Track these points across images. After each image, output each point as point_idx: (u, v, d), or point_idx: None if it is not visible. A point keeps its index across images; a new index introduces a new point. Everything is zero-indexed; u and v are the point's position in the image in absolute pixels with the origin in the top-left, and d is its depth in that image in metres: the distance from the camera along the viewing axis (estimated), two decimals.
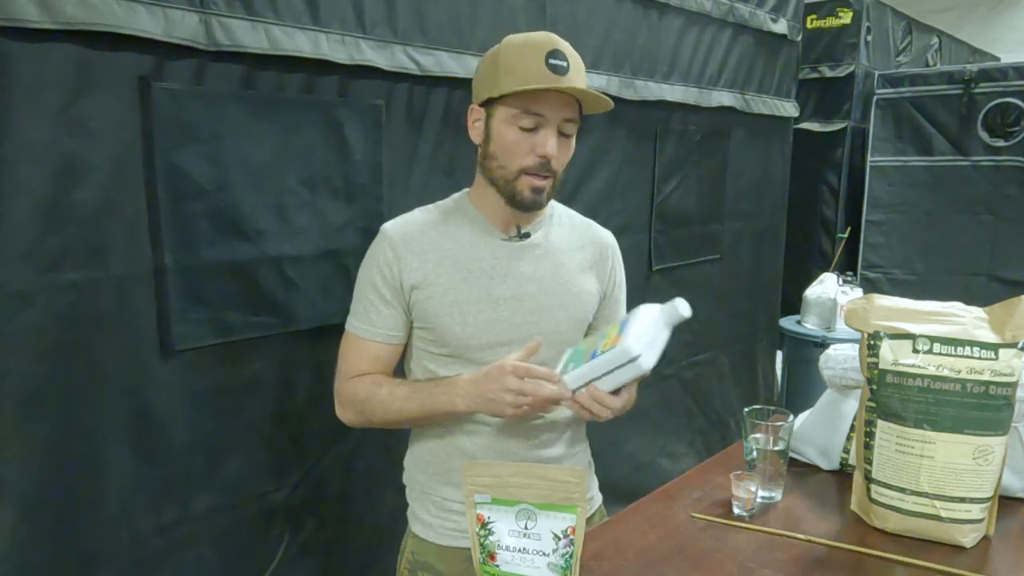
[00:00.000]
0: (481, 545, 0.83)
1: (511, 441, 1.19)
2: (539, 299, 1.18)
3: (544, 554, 0.81)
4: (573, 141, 1.15)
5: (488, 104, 1.13)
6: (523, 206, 1.14)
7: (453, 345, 1.16)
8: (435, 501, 1.22)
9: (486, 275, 1.16)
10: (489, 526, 0.82)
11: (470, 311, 1.15)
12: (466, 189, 1.23)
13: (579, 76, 1.11)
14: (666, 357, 2.83)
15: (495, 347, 1.15)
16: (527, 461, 1.18)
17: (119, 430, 1.19)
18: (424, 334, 1.18)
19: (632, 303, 2.49)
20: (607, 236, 1.32)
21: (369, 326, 1.17)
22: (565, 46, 1.10)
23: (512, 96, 1.08)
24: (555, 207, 1.28)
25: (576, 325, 1.24)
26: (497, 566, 0.82)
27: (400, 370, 1.23)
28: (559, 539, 0.80)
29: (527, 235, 1.19)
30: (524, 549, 0.81)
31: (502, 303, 1.16)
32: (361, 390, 1.16)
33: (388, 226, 1.20)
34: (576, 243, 1.26)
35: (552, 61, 1.06)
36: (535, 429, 1.20)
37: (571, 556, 0.80)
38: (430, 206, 1.22)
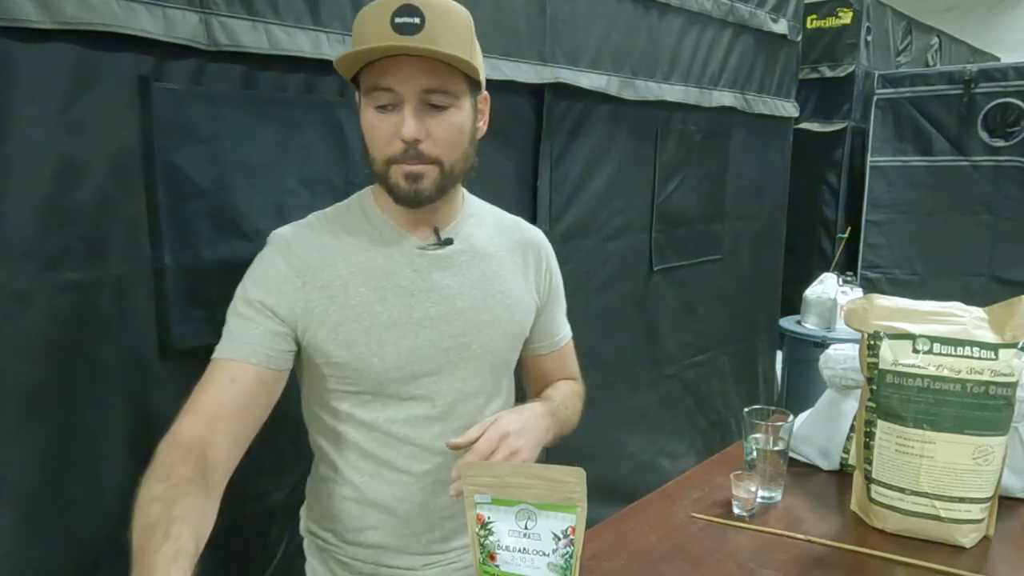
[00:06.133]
0: (481, 545, 0.83)
1: (438, 495, 1.03)
2: (469, 315, 1.02)
3: (544, 554, 0.81)
4: (459, 114, 0.94)
5: (358, 89, 0.95)
6: (404, 201, 0.95)
7: (371, 380, 0.98)
8: (341, 561, 1.07)
9: (406, 292, 0.98)
10: (489, 526, 0.82)
11: (389, 337, 0.97)
12: (368, 188, 1.05)
13: (442, 33, 0.87)
14: (667, 357, 2.82)
15: (420, 378, 1.00)
16: (452, 513, 1.06)
17: (119, 430, 1.19)
18: (332, 370, 0.98)
19: (634, 303, 2.48)
20: (537, 234, 1.15)
21: (231, 344, 0.94)
22: (426, 1, 0.87)
23: (366, 73, 0.90)
24: (474, 204, 1.11)
25: (512, 342, 1.09)
26: (497, 566, 0.82)
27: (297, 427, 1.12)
28: (559, 539, 0.80)
29: (449, 241, 1.02)
30: (524, 549, 0.81)
31: (427, 325, 0.99)
32: (153, 475, 0.84)
33: (282, 234, 1.00)
34: (505, 245, 1.09)
35: (399, 20, 0.85)
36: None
37: (571, 556, 0.80)
38: (328, 210, 1.05)
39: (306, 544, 1.13)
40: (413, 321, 0.98)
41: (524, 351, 1.16)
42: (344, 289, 0.97)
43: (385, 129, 0.91)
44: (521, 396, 1.21)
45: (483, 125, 1.03)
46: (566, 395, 1.17)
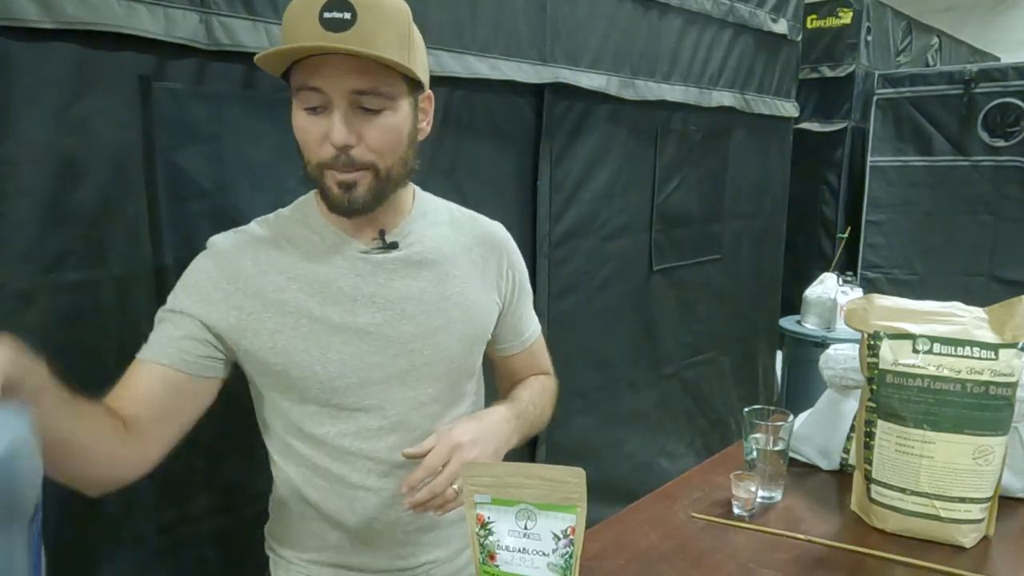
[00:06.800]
0: (481, 545, 0.83)
1: (400, 508, 0.95)
2: (419, 321, 0.96)
3: (544, 554, 0.81)
4: (395, 116, 0.88)
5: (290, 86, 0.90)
6: (338, 210, 0.90)
7: (315, 389, 0.93)
8: None
9: (347, 298, 0.94)
10: (489, 526, 0.82)
11: (332, 344, 0.92)
12: (312, 192, 1.00)
13: (375, 31, 0.81)
14: (666, 357, 2.81)
15: (367, 387, 0.95)
16: (419, 526, 1.02)
17: None
18: (273, 380, 0.94)
19: (634, 303, 2.48)
20: (497, 229, 1.09)
21: (146, 348, 0.90)
22: None
23: (295, 71, 0.86)
24: (426, 201, 1.05)
25: (469, 347, 1.02)
26: (497, 566, 0.82)
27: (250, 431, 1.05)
28: (559, 539, 0.80)
29: (394, 245, 0.97)
30: (524, 549, 0.81)
31: (372, 331, 0.94)
32: None
33: (216, 240, 0.95)
34: (461, 244, 1.03)
35: (327, 15, 0.80)
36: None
37: (571, 556, 0.80)
38: (269, 216, 1.00)
39: (271, 563, 1.08)
40: (357, 327, 0.93)
41: (493, 352, 1.12)
42: (280, 294, 0.92)
43: (315, 132, 0.87)
44: (492, 395, 1.17)
45: (426, 126, 0.97)
46: (535, 393, 1.12)
